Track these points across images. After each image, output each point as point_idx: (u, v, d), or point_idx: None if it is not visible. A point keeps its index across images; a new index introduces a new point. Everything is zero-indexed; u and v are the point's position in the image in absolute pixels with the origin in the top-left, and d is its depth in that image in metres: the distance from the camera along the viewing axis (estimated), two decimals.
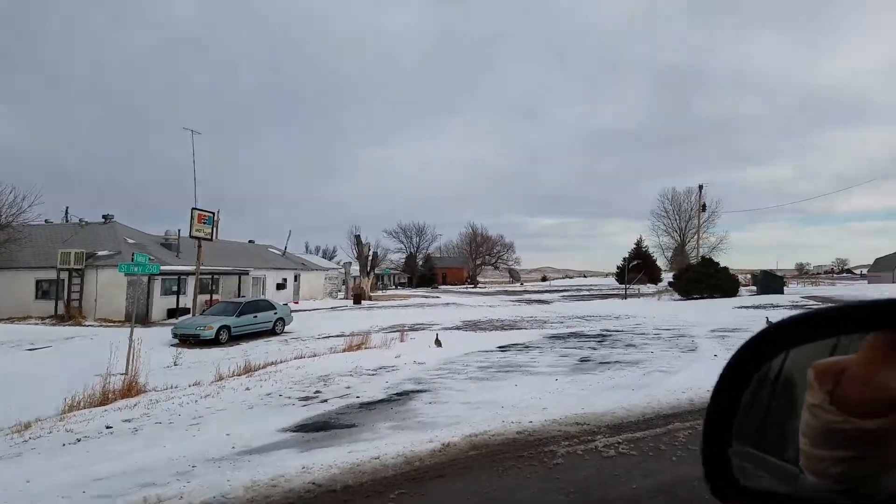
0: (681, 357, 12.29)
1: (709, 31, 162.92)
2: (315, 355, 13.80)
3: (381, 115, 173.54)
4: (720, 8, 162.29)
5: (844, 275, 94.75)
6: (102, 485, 5.32)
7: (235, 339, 20.42)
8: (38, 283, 30.50)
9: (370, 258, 52.71)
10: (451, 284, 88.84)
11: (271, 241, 53.10)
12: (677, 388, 8.70)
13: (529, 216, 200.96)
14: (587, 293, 54.90)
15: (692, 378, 9.53)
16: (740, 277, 46.64)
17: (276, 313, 22.74)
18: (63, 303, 29.06)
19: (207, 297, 31.26)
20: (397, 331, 18.49)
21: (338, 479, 5.41)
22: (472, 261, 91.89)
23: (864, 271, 75.08)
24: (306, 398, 9.08)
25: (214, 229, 30.33)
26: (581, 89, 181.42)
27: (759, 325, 18.32)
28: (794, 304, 29.93)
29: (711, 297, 37.59)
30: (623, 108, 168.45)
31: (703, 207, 57.21)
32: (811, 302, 30.72)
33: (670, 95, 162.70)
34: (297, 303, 39.08)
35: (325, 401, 8.84)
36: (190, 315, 26.08)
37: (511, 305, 37.47)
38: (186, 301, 30.00)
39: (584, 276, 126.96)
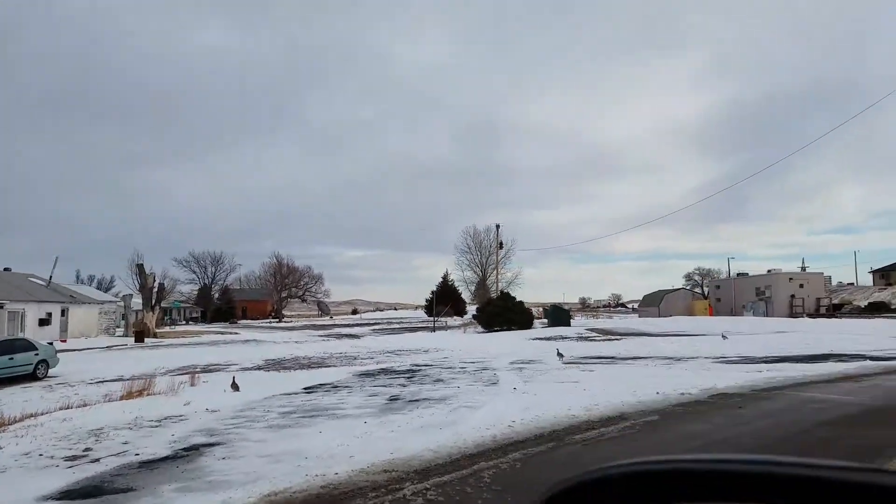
0: (484, 391, 12.77)
1: (508, 86, 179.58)
2: (86, 405, 12.02)
3: (177, 133, 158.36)
4: (522, 68, 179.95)
5: (619, 308, 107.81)
6: None
7: None
8: None
9: (155, 289, 48.26)
10: (253, 319, 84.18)
11: (33, 269, 46.11)
12: (482, 425, 8.94)
13: (339, 248, 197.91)
14: (398, 326, 55.74)
15: (494, 413, 9.89)
16: (533, 310, 50.96)
17: (37, 354, 19.74)
18: None
19: None
20: (187, 373, 16.90)
21: None
22: (277, 293, 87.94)
23: (635, 305, 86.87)
24: (73, 458, 7.77)
25: None
26: (393, 126, 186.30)
27: (552, 357, 19.79)
28: (580, 335, 33.39)
29: (510, 328, 40.40)
30: (431, 147, 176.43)
31: (501, 245, 62.08)
32: (594, 334, 34.50)
33: (474, 140, 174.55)
34: (64, 341, 34.99)
35: (97, 460, 7.61)
36: None
37: (320, 341, 36.53)
38: None
39: (395, 309, 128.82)
